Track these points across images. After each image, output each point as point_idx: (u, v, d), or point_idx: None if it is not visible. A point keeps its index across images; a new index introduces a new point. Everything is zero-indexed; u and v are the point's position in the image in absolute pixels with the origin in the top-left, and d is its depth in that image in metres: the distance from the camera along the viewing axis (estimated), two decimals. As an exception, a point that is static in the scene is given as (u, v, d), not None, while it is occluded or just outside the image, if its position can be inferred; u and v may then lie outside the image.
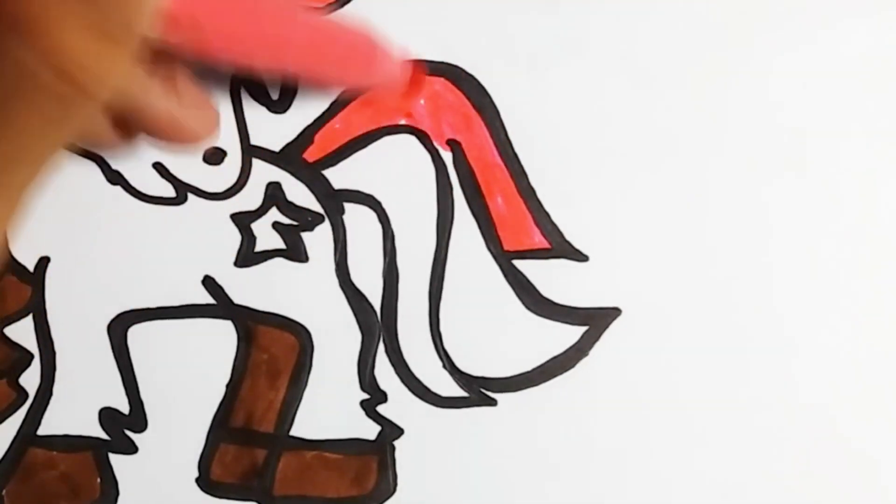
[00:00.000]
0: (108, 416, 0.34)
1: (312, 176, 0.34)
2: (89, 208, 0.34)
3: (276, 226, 0.34)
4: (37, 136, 0.20)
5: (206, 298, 0.34)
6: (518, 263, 0.34)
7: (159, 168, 0.34)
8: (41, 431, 0.34)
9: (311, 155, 0.34)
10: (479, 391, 0.34)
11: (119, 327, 0.34)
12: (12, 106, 0.20)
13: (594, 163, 0.34)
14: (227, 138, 0.34)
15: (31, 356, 0.34)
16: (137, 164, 0.34)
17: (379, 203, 0.34)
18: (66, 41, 0.19)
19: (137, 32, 0.21)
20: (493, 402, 0.34)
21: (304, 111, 0.34)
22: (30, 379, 0.34)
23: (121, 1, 0.20)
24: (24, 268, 0.34)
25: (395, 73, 0.30)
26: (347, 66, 0.29)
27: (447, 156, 0.34)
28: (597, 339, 0.34)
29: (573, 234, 0.34)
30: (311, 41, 0.28)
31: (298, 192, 0.34)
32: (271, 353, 0.34)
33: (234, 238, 0.34)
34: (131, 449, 0.34)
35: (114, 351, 0.34)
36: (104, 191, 0.34)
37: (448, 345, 0.34)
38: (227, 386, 0.34)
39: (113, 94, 0.20)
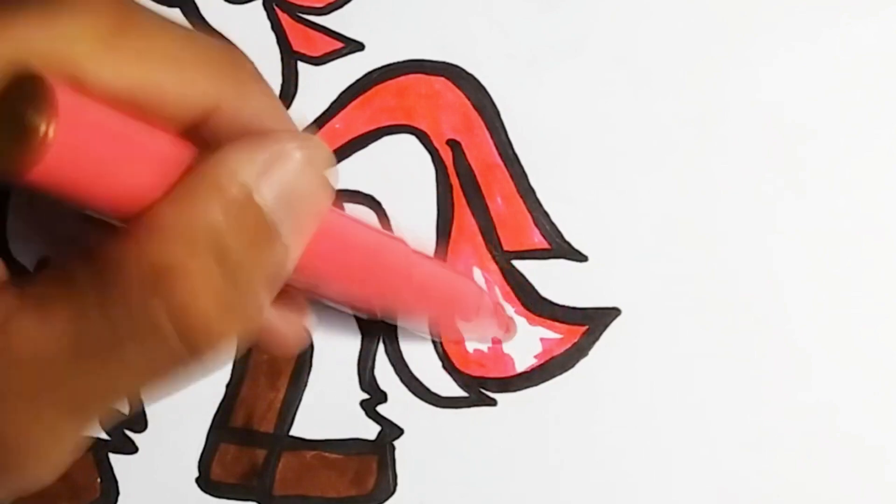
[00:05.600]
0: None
1: (312, 176, 0.34)
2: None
3: (276, 226, 0.34)
4: (129, 378, 0.20)
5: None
6: (517, 263, 0.34)
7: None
8: (41, 431, 0.34)
9: (311, 155, 0.34)
10: (478, 391, 0.34)
11: (119, 327, 0.34)
12: (124, 345, 0.20)
13: (594, 163, 0.34)
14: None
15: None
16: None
17: (379, 203, 0.34)
18: (198, 305, 0.20)
19: (263, 312, 0.21)
20: (492, 402, 0.34)
21: (304, 111, 0.35)
22: (29, 379, 0.34)
23: (255, 286, 0.21)
24: (25, 268, 0.34)
25: (494, 323, 0.31)
26: (452, 316, 0.31)
27: (447, 156, 0.34)
28: (596, 339, 0.34)
29: (572, 235, 0.34)
30: (421, 292, 0.29)
31: (298, 192, 0.34)
32: (271, 353, 0.34)
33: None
34: (131, 449, 0.34)
35: (114, 351, 0.34)
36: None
37: (447, 345, 0.34)
38: (227, 386, 0.34)
39: (218, 360, 0.21)
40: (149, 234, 0.19)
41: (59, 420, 0.20)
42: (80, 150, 0.19)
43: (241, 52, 0.23)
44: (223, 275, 0.20)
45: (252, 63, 0.23)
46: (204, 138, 0.21)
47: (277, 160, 0.21)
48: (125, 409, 0.21)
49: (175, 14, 0.35)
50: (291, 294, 0.24)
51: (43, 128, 0.18)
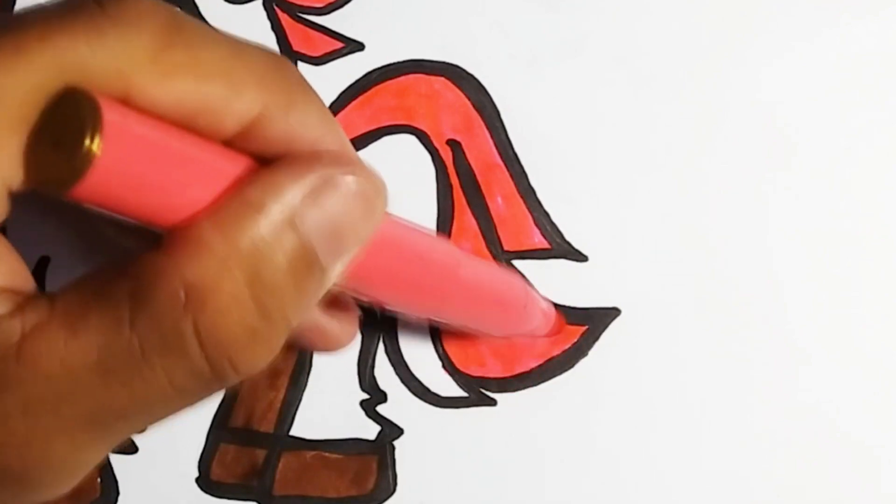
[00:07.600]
0: (107, 416, 0.34)
1: (312, 176, 0.34)
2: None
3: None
4: (153, 395, 0.20)
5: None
6: (517, 263, 0.34)
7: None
8: (41, 431, 0.34)
9: (311, 155, 0.34)
10: (478, 391, 0.34)
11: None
12: (150, 362, 0.19)
13: (594, 163, 0.34)
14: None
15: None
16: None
17: (379, 203, 0.34)
18: (226, 328, 0.19)
19: (287, 334, 0.21)
20: (492, 403, 0.34)
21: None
22: (29, 379, 0.34)
23: (286, 313, 0.20)
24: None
25: (542, 321, 0.31)
26: (500, 316, 0.30)
27: (447, 156, 0.34)
28: (596, 339, 0.34)
29: (573, 235, 0.34)
30: (469, 294, 0.29)
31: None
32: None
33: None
34: (131, 449, 0.34)
35: (114, 351, 0.34)
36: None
37: (447, 345, 0.34)
38: (227, 386, 0.34)
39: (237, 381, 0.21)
40: (185, 250, 0.19)
41: (81, 435, 0.20)
42: (127, 166, 0.19)
43: (289, 62, 0.22)
44: (254, 299, 0.19)
45: (300, 73, 0.23)
46: (251, 149, 0.21)
47: (326, 186, 0.20)
48: (146, 428, 0.21)
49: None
50: (338, 294, 0.24)
51: (88, 143, 0.18)
